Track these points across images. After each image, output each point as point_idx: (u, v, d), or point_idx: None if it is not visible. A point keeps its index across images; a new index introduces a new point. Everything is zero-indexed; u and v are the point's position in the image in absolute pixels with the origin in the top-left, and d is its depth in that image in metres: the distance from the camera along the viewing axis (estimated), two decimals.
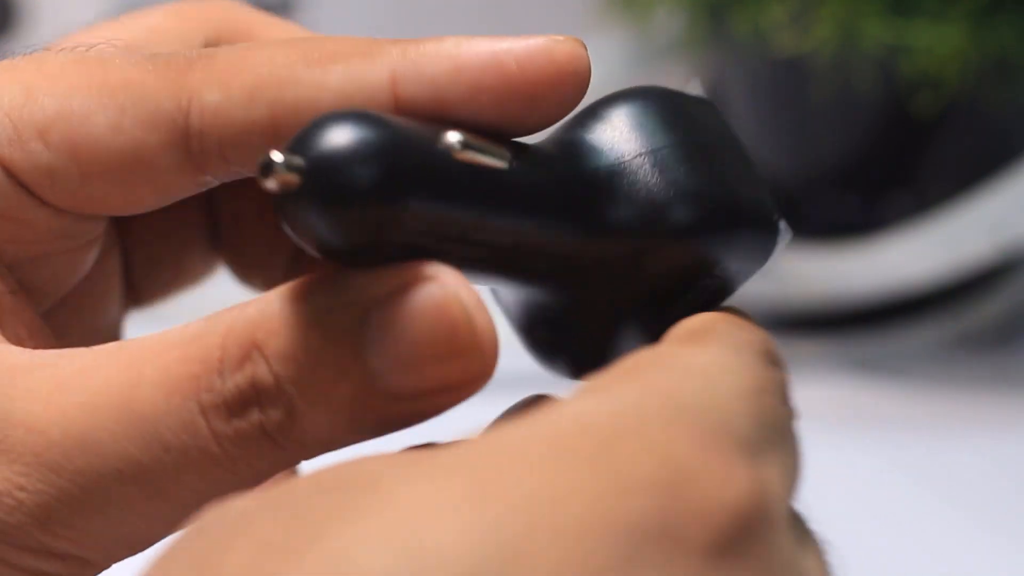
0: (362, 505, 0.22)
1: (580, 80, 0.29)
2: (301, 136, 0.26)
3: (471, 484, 0.22)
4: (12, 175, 0.29)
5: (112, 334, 0.36)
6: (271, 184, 0.26)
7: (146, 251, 0.36)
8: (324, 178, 0.26)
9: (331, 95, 0.29)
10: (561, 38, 0.29)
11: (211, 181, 0.30)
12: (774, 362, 0.28)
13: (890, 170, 0.69)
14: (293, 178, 0.26)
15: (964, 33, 0.62)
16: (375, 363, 0.27)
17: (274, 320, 0.27)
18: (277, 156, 0.26)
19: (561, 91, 0.29)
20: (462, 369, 0.27)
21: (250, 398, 0.27)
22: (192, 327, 0.28)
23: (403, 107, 0.29)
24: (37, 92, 0.29)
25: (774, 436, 0.26)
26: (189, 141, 0.29)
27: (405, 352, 0.27)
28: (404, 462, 0.23)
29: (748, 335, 0.28)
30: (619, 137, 0.30)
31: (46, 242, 0.31)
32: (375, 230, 0.26)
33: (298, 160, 0.26)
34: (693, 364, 0.26)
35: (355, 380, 0.27)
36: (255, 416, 0.27)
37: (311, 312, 0.27)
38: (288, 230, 0.27)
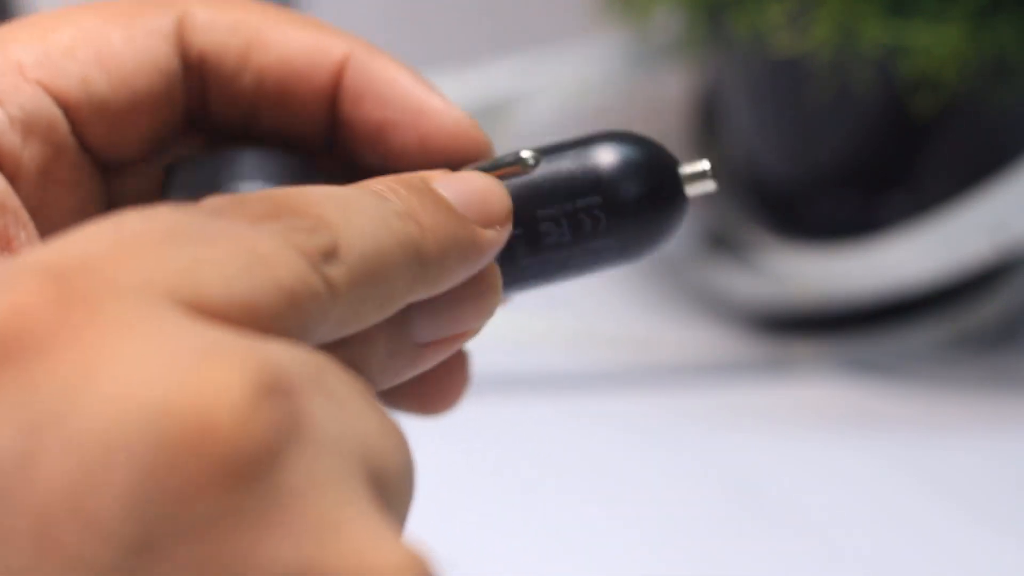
0: None
1: (473, 153, 0.35)
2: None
3: None
4: (52, 94, 0.33)
5: None
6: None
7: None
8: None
9: (297, 46, 0.35)
10: (470, 121, 0.35)
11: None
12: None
13: (889, 170, 0.69)
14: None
15: (963, 33, 0.62)
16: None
17: None
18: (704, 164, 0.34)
19: (458, 155, 0.35)
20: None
21: None
22: None
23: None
24: (59, 25, 0.34)
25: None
26: (186, 51, 0.34)
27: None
28: None
29: None
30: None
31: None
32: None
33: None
34: None
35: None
36: None
37: None
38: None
